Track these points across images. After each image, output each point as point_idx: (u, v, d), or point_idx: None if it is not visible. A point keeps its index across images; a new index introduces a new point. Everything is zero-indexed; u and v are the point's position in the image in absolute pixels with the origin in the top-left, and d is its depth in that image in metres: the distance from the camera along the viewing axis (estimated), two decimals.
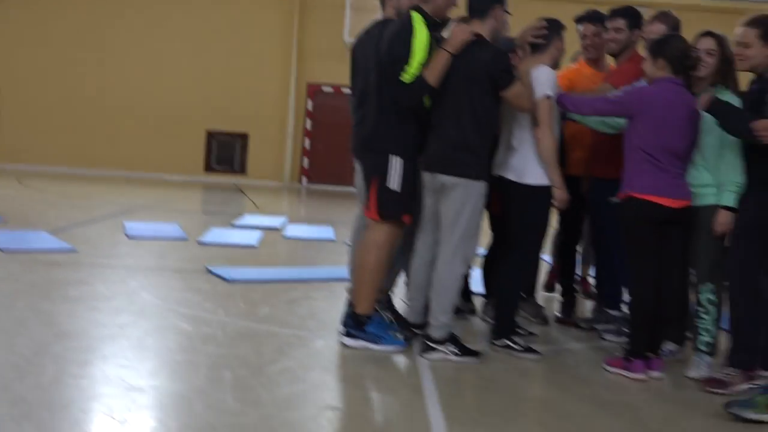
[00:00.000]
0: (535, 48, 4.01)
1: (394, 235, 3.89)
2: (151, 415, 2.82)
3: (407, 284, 4.18)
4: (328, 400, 3.14)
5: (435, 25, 3.82)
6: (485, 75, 3.68)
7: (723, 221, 3.66)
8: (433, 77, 3.69)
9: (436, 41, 3.79)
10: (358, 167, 4.13)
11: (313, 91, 17.28)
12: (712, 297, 3.78)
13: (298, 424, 2.84)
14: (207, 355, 3.61)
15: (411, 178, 3.86)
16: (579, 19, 4.71)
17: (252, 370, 3.41)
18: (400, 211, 3.86)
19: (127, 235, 7.28)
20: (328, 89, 17.08)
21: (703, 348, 3.81)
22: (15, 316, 4.05)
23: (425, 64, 3.70)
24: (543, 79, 3.88)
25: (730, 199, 3.65)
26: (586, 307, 5.26)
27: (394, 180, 3.80)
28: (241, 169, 17.64)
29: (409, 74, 3.69)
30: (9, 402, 2.82)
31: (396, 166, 3.80)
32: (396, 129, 3.83)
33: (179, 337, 3.90)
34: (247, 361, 3.54)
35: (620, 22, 4.40)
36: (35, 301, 4.40)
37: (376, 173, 3.86)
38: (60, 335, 3.74)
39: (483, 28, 3.79)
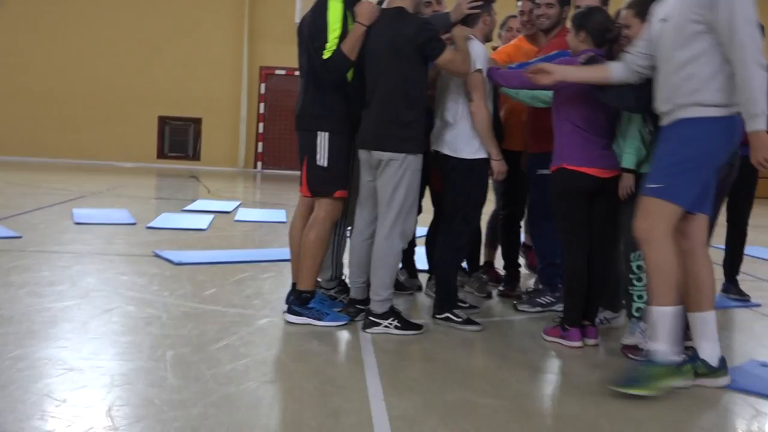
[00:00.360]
0: (465, 22, 4.07)
1: (333, 211, 3.95)
2: (91, 394, 2.84)
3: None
4: (268, 375, 3.19)
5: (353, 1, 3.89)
6: (412, 47, 3.72)
7: (624, 184, 3.77)
8: (350, 50, 3.76)
9: (352, 15, 3.84)
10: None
11: (266, 74, 17.20)
12: (642, 263, 3.89)
13: (237, 397, 2.88)
14: (150, 335, 3.64)
15: (342, 154, 3.91)
16: None
17: (194, 349, 3.44)
18: (330, 187, 3.91)
19: (75, 222, 7.23)
20: (281, 72, 17.02)
21: (636, 314, 3.93)
22: None
23: (342, 38, 3.76)
24: (474, 54, 3.94)
25: (628, 161, 3.76)
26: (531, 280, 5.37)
27: (322, 156, 3.87)
28: (195, 155, 17.51)
29: (328, 50, 3.74)
30: None
31: (323, 142, 3.86)
32: (321, 106, 3.88)
33: (123, 319, 3.91)
34: (189, 340, 3.57)
35: None
36: None
37: (306, 150, 3.92)
38: (0, 320, 3.72)
39: (404, 1, 3.84)
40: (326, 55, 3.74)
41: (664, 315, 3.18)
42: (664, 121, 3.29)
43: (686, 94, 3.16)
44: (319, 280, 4.32)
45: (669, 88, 3.23)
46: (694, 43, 3.12)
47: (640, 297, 3.91)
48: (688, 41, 3.13)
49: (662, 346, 3.18)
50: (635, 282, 3.90)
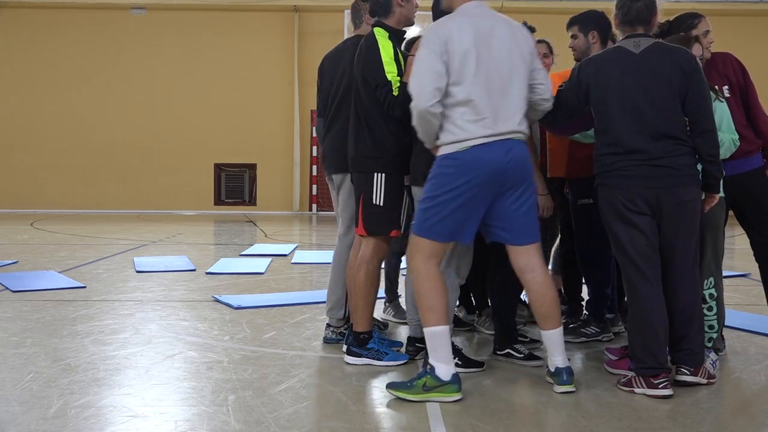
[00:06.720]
0: None
1: (380, 249, 3.95)
2: None
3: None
4: (329, 417, 3.16)
5: (400, 36, 3.97)
6: None
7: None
8: None
9: (401, 50, 3.91)
10: (331, 185, 4.30)
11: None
12: (714, 292, 3.78)
13: None
14: (212, 380, 3.65)
15: (397, 193, 3.93)
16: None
17: (256, 392, 3.44)
18: (386, 226, 3.91)
19: (136, 270, 7.38)
20: None
21: (708, 344, 3.80)
22: (23, 353, 4.11)
23: (400, 73, 3.81)
24: None
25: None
26: None
27: (378, 196, 3.87)
28: (251, 200, 17.76)
29: (395, 88, 3.76)
30: None
31: (379, 183, 3.87)
32: (374, 146, 3.90)
33: (185, 365, 3.94)
34: (251, 384, 3.57)
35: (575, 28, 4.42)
36: (43, 338, 4.46)
37: (361, 190, 3.93)
38: (67, 369, 3.79)
39: None
40: (396, 92, 3.76)
41: (430, 334, 3.39)
42: None
43: None
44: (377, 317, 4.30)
45: None
46: None
47: (711, 327, 3.79)
48: None
49: (435, 363, 3.36)
50: (706, 311, 3.78)
